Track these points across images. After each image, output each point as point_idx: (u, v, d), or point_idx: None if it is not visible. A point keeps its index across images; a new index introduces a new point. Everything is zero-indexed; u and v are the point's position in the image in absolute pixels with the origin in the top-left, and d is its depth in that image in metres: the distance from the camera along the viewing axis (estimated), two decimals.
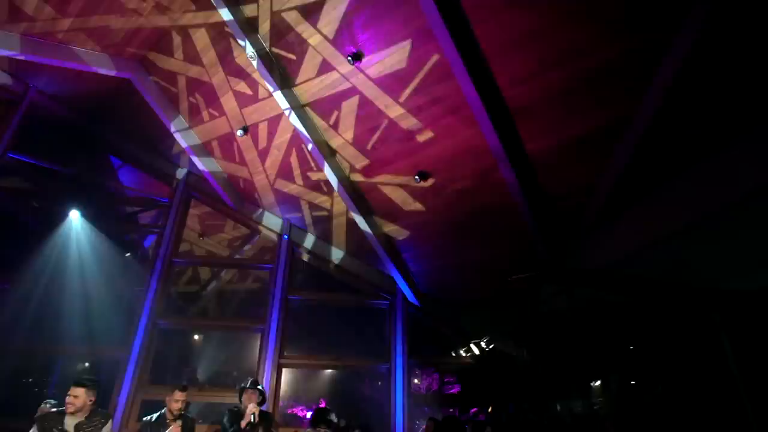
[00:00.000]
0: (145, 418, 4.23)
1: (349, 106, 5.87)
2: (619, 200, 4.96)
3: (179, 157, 8.04)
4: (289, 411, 10.55)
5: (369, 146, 6.10)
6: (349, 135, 6.17)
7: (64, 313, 6.75)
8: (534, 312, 6.13)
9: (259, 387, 4.56)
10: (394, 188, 6.29)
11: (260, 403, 4.43)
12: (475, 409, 7.56)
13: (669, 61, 3.86)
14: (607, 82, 4.30)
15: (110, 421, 3.66)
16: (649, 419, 6.43)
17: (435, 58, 4.90)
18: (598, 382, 7.62)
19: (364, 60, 5.29)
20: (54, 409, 3.54)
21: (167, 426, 3.87)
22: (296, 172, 7.09)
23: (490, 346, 6.53)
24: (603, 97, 4.43)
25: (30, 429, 3.42)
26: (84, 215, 7.26)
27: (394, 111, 5.57)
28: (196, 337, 12.33)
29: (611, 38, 4.04)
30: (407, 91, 5.34)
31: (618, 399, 7.19)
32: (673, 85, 3.91)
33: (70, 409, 3.43)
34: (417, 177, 5.89)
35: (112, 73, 6.74)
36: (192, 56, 6.47)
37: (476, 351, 6.66)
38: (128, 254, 8.35)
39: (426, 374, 8.73)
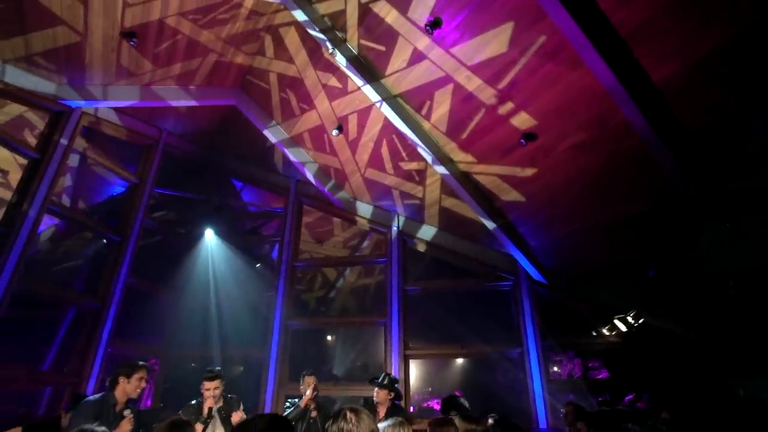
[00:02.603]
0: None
1: (439, 85, 5.59)
2: None
3: (287, 168, 8.56)
4: (425, 404, 10.53)
5: (465, 120, 5.73)
6: (442, 113, 5.87)
7: (210, 320, 7.65)
8: (694, 274, 5.03)
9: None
10: (499, 157, 5.80)
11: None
12: (630, 396, 6.56)
13: None
14: None
15: (241, 403, 4.07)
16: None
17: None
18: None
19: (443, 25, 4.96)
20: (193, 401, 3.91)
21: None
22: (391, 163, 7.03)
23: (639, 321, 5.58)
24: None
25: None
26: (217, 233, 8.15)
27: (484, 72, 5.12)
28: (329, 337, 13.13)
29: None
30: (496, 47, 4.86)
31: None
32: None
33: (211, 401, 3.80)
34: (522, 140, 5.33)
35: (220, 102, 7.46)
36: (284, 67, 6.81)
37: (622, 328, 5.76)
38: (258, 264, 9.15)
39: (566, 359, 7.89)
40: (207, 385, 3.85)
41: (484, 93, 5.31)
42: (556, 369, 8.54)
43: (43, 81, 5.71)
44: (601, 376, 7.30)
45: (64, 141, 5.99)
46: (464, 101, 5.55)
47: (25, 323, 8.04)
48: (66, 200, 8.42)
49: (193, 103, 7.17)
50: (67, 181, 8.13)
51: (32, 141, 6.52)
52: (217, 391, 3.85)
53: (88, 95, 6.14)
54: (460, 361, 10.84)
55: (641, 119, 4.35)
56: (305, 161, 7.85)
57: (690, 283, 5.19)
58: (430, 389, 10.57)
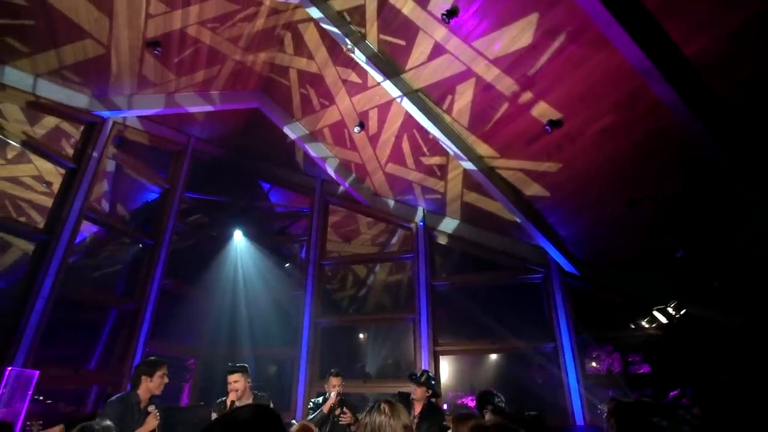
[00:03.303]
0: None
1: (458, 76, 5.47)
2: None
3: (312, 167, 8.63)
4: (459, 401, 10.41)
5: (487, 110, 5.59)
6: (463, 105, 5.75)
7: (242, 320, 7.82)
8: (741, 258, 4.69)
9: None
10: (524, 146, 5.62)
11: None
12: (675, 392, 6.23)
13: None
14: None
15: (270, 402, 4.08)
16: None
17: None
18: None
19: (460, 13, 4.84)
20: (222, 398, 3.96)
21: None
22: (413, 158, 6.96)
23: (681, 312, 5.27)
24: None
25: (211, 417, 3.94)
26: (246, 235, 8.33)
27: (504, 61, 4.97)
28: (361, 335, 13.19)
29: None
30: (515, 33, 4.70)
31: None
32: None
33: (234, 395, 3.82)
34: (547, 127, 5.14)
35: (243, 106, 7.60)
36: (305, 64, 6.84)
37: (662, 319, 5.46)
38: (287, 264, 9.29)
39: (604, 354, 7.58)
40: (228, 378, 3.93)
41: (505, 81, 5.16)
42: (594, 364, 8.23)
43: (75, 94, 5.99)
44: (642, 371, 6.97)
45: (97, 151, 6.25)
46: (485, 91, 5.41)
47: (73, 326, 8.49)
48: (105, 207, 8.83)
49: (217, 108, 7.33)
50: (104, 188, 8.52)
51: (68, 149, 6.86)
52: (238, 384, 3.87)
53: (118, 105, 6.39)
54: (494, 357, 10.65)
55: (674, 97, 4.09)
56: (327, 157, 7.89)
57: (736, 267, 4.85)
58: (462, 389, 10.43)
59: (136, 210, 9.41)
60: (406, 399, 4.40)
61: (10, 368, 4.14)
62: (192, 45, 6.21)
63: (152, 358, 3.68)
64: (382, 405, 2.05)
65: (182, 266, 7.83)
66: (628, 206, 4.99)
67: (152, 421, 3.30)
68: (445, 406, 11.60)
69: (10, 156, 7.34)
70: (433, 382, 4.52)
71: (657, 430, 1.25)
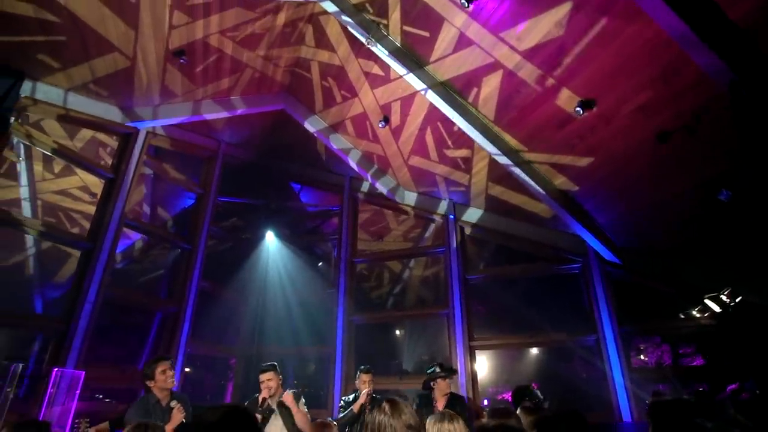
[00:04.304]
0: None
1: (482, 62, 5.28)
2: None
3: (339, 165, 8.64)
4: (499, 397, 10.16)
5: (513, 96, 5.37)
6: (488, 92, 5.56)
7: (278, 318, 7.96)
8: None
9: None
10: (554, 131, 5.36)
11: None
12: (734, 386, 5.77)
13: None
14: None
15: (301, 396, 4.08)
16: None
17: None
18: None
19: None
20: (256, 395, 4.04)
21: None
22: (438, 149, 6.81)
23: (736, 299, 4.85)
24: None
25: None
26: (279, 235, 8.46)
27: (529, 42, 4.74)
28: (398, 332, 13.15)
29: None
30: (539, 10, 4.47)
31: None
32: None
33: (267, 392, 3.92)
34: (578, 108, 4.86)
35: (269, 108, 7.70)
36: (328, 57, 6.81)
37: (715, 308, 5.05)
38: (321, 263, 9.37)
39: (652, 346, 7.16)
40: (261, 377, 4.03)
41: (530, 64, 4.93)
42: (642, 357, 7.80)
43: (109, 106, 6.26)
44: (695, 363, 6.53)
45: (133, 161, 6.52)
46: (510, 77, 5.20)
47: (125, 328, 8.97)
48: (146, 214, 9.23)
49: (244, 112, 7.46)
50: (145, 195, 8.90)
51: (107, 158, 7.19)
52: (271, 383, 3.97)
53: (149, 116, 6.62)
54: (534, 351, 10.33)
55: (719, 65, 3.76)
56: (350, 149, 7.86)
57: None
58: (502, 384, 10.19)
59: (176, 215, 9.79)
60: (427, 399, 4.36)
61: (56, 369, 4.38)
62: (215, 52, 6.33)
63: (150, 359, 3.88)
64: (384, 404, 1.97)
65: (219, 269, 8.07)
66: (659, 141, 4.45)
67: (177, 415, 3.47)
68: (485, 402, 11.38)
69: (57, 170, 7.79)
70: (452, 368, 4.56)
71: None
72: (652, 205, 5.26)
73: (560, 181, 5.79)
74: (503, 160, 5.95)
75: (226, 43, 6.26)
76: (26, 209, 8.26)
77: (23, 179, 7.87)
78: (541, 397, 4.27)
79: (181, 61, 5.97)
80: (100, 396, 8.45)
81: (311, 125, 7.75)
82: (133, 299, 7.14)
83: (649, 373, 6.06)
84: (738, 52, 3.73)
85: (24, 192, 8.06)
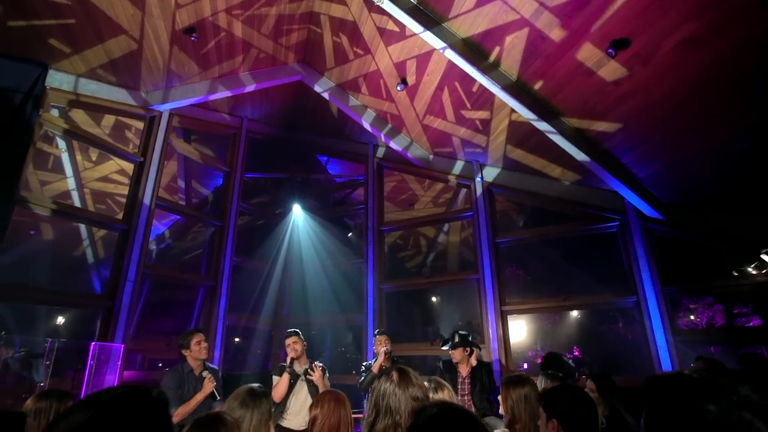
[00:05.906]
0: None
1: (503, 9, 4.83)
2: None
3: (362, 134, 8.46)
4: (539, 361, 10.00)
5: (537, 41, 4.91)
6: (511, 39, 5.12)
7: (311, 289, 8.13)
8: None
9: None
10: (584, 78, 4.89)
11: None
12: None
13: None
14: None
15: (326, 370, 4.40)
16: None
17: None
18: None
19: None
20: (284, 362, 4.35)
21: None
22: (453, 114, 6.44)
23: None
24: None
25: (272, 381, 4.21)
26: (307, 208, 8.52)
27: None
28: (434, 299, 13.16)
29: None
30: None
31: None
32: None
33: (293, 354, 4.25)
34: (611, 50, 4.38)
35: (287, 80, 7.56)
36: (342, 12, 6.47)
37: None
38: (350, 234, 9.39)
39: (702, 306, 6.68)
40: (286, 341, 4.38)
41: (554, 4, 4.45)
42: (692, 317, 7.33)
43: (130, 91, 6.37)
44: (752, 324, 6.03)
45: (159, 143, 6.66)
46: (534, 17, 4.73)
47: (174, 304, 9.52)
48: (182, 193, 9.55)
49: (261, 85, 7.38)
50: (179, 175, 9.18)
51: (134, 139, 7.40)
52: (297, 345, 4.29)
53: (168, 97, 6.69)
54: (574, 314, 10.00)
55: None
56: (372, 118, 7.64)
57: None
58: (541, 347, 9.98)
59: (209, 195, 10.10)
60: (450, 365, 4.34)
61: (93, 343, 4.69)
62: (226, 27, 6.21)
63: (186, 330, 4.13)
64: (392, 372, 1.91)
65: (253, 244, 8.29)
66: (763, 6, 3.74)
67: (208, 384, 3.77)
68: (525, 365, 11.26)
69: (94, 158, 8.15)
70: (469, 338, 4.45)
71: (701, 420, 0.89)
72: (701, 153, 4.73)
73: (594, 132, 5.33)
74: (530, 115, 5.54)
75: (236, 14, 6.12)
76: (75, 199, 8.77)
77: (68, 170, 8.31)
78: (573, 365, 4.11)
79: (192, 38, 5.92)
80: (160, 365, 9.15)
81: (329, 91, 7.54)
82: (176, 276, 7.51)
83: (696, 335, 5.68)
84: None
85: (71, 183, 8.53)
